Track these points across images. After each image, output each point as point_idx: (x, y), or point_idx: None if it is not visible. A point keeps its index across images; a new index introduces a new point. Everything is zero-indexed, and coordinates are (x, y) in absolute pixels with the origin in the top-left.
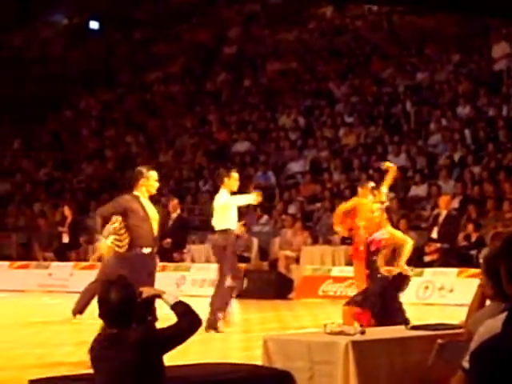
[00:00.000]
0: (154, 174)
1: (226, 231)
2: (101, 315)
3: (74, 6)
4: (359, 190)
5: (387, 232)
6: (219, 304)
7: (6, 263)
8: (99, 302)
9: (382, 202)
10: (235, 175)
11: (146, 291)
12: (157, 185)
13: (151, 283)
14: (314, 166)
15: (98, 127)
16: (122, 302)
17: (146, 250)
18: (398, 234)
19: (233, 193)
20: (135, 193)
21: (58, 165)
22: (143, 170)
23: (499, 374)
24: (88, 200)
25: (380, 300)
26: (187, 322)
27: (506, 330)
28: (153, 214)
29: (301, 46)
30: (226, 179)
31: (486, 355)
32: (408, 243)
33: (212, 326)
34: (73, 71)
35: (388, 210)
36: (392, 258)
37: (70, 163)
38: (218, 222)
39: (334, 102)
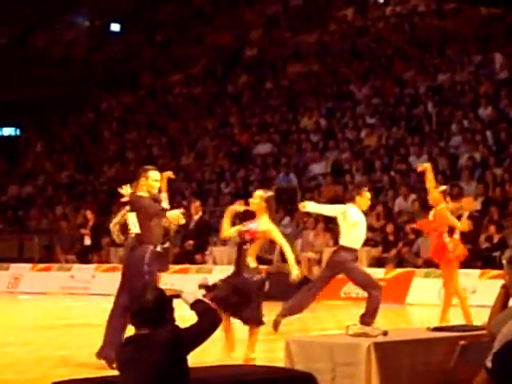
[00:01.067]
0: (154, 175)
1: (350, 250)
2: (133, 316)
3: (96, 8)
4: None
5: (263, 223)
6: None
7: (29, 266)
8: (134, 302)
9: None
10: (367, 194)
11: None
12: (157, 185)
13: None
14: (336, 168)
15: (120, 129)
16: (157, 302)
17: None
18: (274, 229)
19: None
20: (139, 193)
21: (79, 167)
22: (146, 168)
23: None
24: (110, 202)
25: (234, 295)
26: (207, 320)
27: None
28: None
29: (322, 48)
30: (357, 197)
31: (510, 355)
32: (284, 245)
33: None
34: (95, 73)
35: (269, 200)
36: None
37: (91, 165)
38: (344, 238)
39: (355, 103)
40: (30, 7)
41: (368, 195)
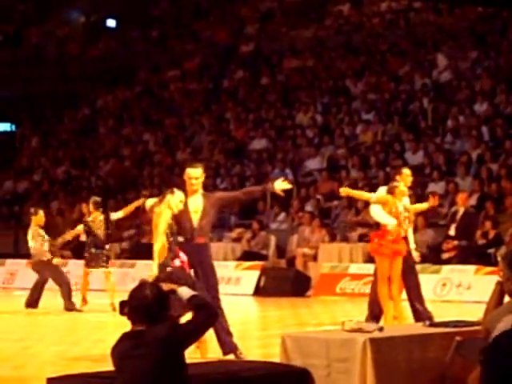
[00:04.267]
0: (189, 172)
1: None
2: (131, 311)
3: (91, 3)
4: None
5: None
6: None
7: (24, 261)
8: (133, 298)
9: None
10: (406, 171)
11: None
12: (192, 182)
13: None
14: (331, 164)
15: (116, 125)
16: (156, 298)
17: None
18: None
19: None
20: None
21: (75, 163)
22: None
23: (509, 368)
24: (105, 198)
25: None
26: (204, 315)
27: None
28: (194, 207)
29: (318, 44)
30: (397, 176)
31: (499, 349)
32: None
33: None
34: (90, 69)
35: None
36: None
37: (87, 161)
38: None
39: (351, 99)
40: (25, 3)
41: (407, 172)
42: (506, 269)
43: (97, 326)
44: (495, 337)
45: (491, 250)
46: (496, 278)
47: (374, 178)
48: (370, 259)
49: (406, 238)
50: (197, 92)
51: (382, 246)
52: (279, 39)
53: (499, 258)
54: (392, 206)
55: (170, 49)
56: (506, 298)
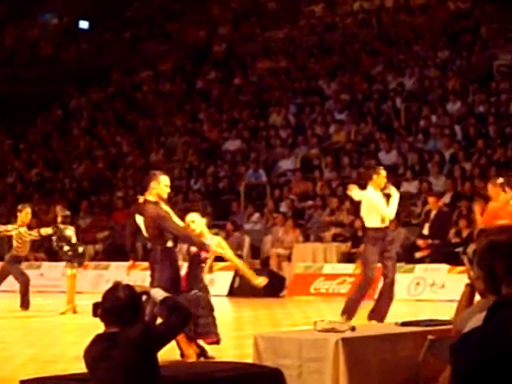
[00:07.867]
0: (165, 179)
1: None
2: (105, 313)
3: (64, 5)
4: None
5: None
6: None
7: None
8: (106, 299)
9: None
10: (383, 172)
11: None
12: (167, 190)
13: None
14: (305, 164)
15: (89, 127)
16: (130, 299)
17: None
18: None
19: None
20: (150, 198)
21: (48, 165)
22: (156, 173)
23: (477, 366)
24: (79, 200)
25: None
26: (177, 317)
27: (487, 323)
28: None
29: (291, 44)
30: (374, 176)
31: (464, 347)
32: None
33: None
34: (63, 71)
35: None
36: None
37: (60, 163)
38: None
39: (324, 99)
40: None
41: (383, 173)
42: (475, 267)
43: (71, 328)
44: (464, 333)
45: (459, 249)
46: (466, 279)
47: (348, 177)
48: (343, 259)
49: None
50: (170, 93)
51: None
52: (252, 40)
53: (465, 258)
54: None
55: (143, 50)
56: (477, 298)
